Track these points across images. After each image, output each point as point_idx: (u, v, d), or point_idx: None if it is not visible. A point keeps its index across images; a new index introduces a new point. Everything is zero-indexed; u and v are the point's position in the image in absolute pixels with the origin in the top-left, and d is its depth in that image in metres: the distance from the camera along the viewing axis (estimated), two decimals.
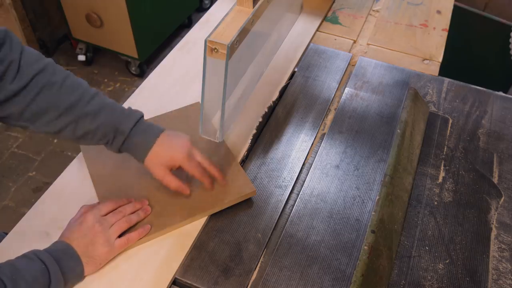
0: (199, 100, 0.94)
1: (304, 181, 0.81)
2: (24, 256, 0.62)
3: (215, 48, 0.65)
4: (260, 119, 0.91)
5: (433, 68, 1.06)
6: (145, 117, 0.89)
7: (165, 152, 0.74)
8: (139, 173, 0.79)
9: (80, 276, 0.66)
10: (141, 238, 0.71)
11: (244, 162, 0.85)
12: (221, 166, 0.81)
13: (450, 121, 0.94)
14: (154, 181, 0.78)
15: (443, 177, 0.83)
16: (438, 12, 1.23)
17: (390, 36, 1.15)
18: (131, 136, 0.73)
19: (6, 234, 0.74)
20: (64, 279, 0.63)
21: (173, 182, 0.74)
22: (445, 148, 0.88)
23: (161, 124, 0.88)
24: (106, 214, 0.71)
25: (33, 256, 0.62)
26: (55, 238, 0.69)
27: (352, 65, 1.06)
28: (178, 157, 0.74)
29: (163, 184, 0.75)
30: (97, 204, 0.74)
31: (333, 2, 1.25)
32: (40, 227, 0.74)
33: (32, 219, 0.75)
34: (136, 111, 0.76)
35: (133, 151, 0.74)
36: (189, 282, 0.68)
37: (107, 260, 0.69)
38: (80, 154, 0.84)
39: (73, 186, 0.80)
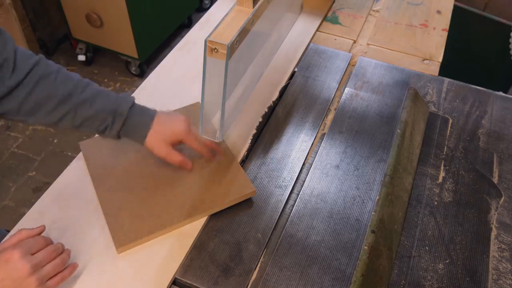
0: (199, 100, 0.93)
1: (304, 181, 0.81)
2: None
3: (215, 48, 0.65)
4: (260, 119, 0.91)
5: (433, 68, 1.06)
6: None
7: (166, 128, 0.75)
8: (139, 173, 0.80)
9: None
10: (141, 238, 0.71)
11: (244, 162, 0.85)
12: (221, 166, 0.81)
13: (450, 121, 0.94)
14: (154, 181, 0.78)
15: (443, 177, 0.83)
16: (438, 12, 1.23)
17: (390, 36, 1.15)
18: (129, 118, 0.74)
19: (8, 231, 0.74)
20: None
21: (178, 157, 0.76)
22: (445, 148, 0.88)
23: None
24: (36, 251, 0.61)
25: None
26: (54, 238, 0.69)
27: (352, 65, 1.06)
28: (180, 131, 0.75)
29: (167, 161, 0.76)
30: (33, 231, 0.64)
31: (333, 2, 1.25)
32: None
33: (32, 219, 0.75)
34: (129, 96, 0.77)
35: (132, 133, 0.75)
36: (189, 282, 0.68)
37: None
38: (80, 154, 0.84)
39: (73, 186, 0.80)
